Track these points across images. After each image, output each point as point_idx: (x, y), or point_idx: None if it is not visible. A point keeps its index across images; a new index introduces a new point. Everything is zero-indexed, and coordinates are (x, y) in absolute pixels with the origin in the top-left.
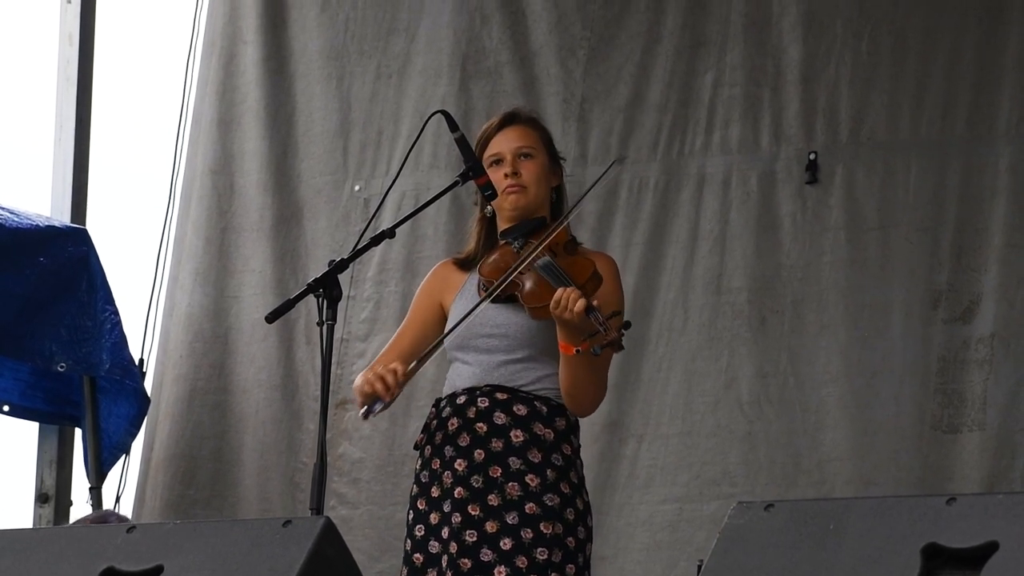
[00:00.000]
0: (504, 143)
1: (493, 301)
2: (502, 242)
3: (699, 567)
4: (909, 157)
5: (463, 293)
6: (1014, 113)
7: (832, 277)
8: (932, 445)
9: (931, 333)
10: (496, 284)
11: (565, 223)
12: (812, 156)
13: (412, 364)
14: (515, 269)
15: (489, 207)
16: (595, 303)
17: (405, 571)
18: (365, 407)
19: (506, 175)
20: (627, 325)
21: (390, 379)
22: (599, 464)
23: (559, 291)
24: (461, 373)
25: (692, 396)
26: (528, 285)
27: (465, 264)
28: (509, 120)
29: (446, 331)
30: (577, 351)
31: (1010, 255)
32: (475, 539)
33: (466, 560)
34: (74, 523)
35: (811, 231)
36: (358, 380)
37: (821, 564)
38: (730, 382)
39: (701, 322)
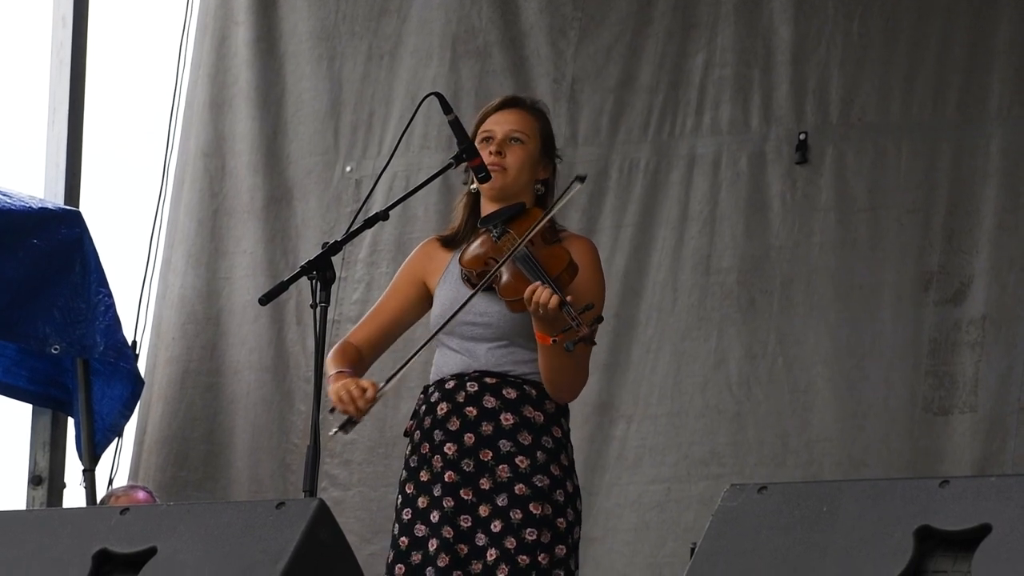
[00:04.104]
0: (498, 123)
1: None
2: (481, 229)
3: (692, 549)
4: (900, 139)
5: (446, 277)
6: (1005, 95)
7: (822, 258)
8: (923, 427)
9: (922, 315)
10: (479, 284)
11: (539, 227)
12: (802, 137)
13: (383, 385)
14: (499, 266)
15: (474, 184)
16: (568, 298)
17: (391, 555)
18: (339, 425)
19: (491, 152)
20: (599, 319)
21: (361, 403)
22: (589, 445)
23: (530, 288)
24: (448, 359)
25: (681, 377)
26: (505, 277)
27: (449, 242)
28: (510, 103)
29: (431, 327)
30: (553, 340)
31: (1001, 237)
32: (469, 524)
33: (463, 546)
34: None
35: (801, 212)
36: (331, 372)
37: (814, 546)
38: (719, 363)
39: (690, 303)
